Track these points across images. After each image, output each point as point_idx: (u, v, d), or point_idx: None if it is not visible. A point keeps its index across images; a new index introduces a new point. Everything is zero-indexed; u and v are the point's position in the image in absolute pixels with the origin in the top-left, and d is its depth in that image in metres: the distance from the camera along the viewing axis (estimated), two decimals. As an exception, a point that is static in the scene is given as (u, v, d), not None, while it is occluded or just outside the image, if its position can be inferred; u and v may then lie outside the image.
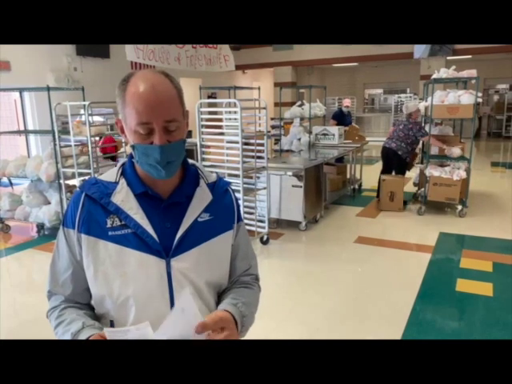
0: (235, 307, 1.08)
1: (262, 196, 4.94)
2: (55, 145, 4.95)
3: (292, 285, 4.02)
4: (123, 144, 6.18)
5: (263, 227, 4.92)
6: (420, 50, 12.55)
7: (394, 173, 6.44)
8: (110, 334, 0.93)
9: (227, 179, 1.26)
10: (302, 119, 7.84)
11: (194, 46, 6.53)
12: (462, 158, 5.98)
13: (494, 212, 6.09)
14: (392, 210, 6.16)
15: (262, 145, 4.79)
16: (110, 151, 6.50)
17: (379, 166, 6.89)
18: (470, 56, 12.28)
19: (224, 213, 1.17)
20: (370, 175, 7.86)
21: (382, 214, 6.11)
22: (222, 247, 1.15)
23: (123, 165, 1.14)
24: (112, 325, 1.09)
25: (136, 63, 8.63)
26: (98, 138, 6.23)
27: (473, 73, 5.86)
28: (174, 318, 0.94)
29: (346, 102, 8.46)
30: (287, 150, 7.73)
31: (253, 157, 4.74)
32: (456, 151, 5.88)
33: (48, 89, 4.99)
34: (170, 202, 1.09)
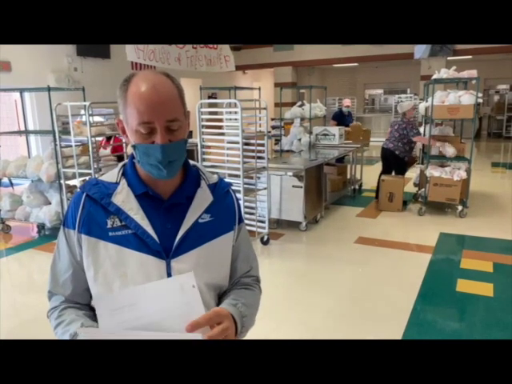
0: (235, 307, 1.08)
1: (262, 196, 4.94)
2: (56, 145, 4.96)
3: (292, 285, 4.02)
4: (124, 144, 6.18)
5: (263, 227, 4.92)
6: (420, 51, 12.55)
7: (393, 173, 6.45)
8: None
9: (228, 179, 1.26)
10: (302, 119, 7.84)
11: (195, 46, 6.53)
12: (462, 158, 5.98)
13: (494, 212, 6.09)
14: (391, 211, 6.16)
15: (262, 145, 4.80)
16: (120, 150, 6.50)
17: (379, 166, 6.90)
18: (470, 56, 12.27)
19: (225, 214, 1.17)
20: (370, 175, 7.86)
21: (383, 215, 6.11)
22: (222, 248, 1.15)
23: (124, 165, 1.14)
24: None
25: (136, 63, 8.64)
26: (102, 138, 6.23)
27: (473, 73, 5.86)
28: (168, 287, 0.95)
29: (346, 102, 8.47)
30: (287, 151, 7.74)
31: (253, 157, 4.74)
32: (450, 150, 5.88)
33: (48, 89, 4.99)
34: (170, 202, 1.08)
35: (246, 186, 4.59)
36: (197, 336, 0.91)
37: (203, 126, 4.74)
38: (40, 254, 4.89)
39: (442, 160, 6.14)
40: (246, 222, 4.37)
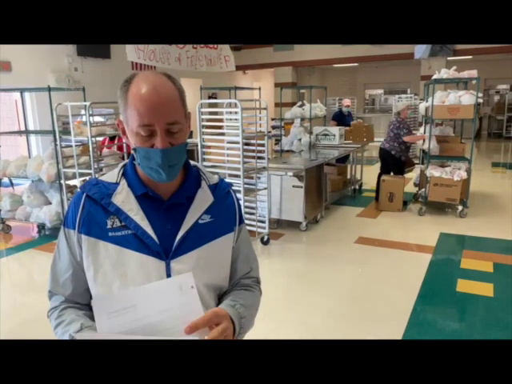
0: (233, 308, 1.07)
1: (262, 196, 4.94)
2: (56, 145, 4.96)
3: (292, 285, 4.02)
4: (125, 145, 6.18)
5: (264, 227, 4.92)
6: (421, 51, 12.55)
7: (392, 173, 6.45)
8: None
9: (228, 179, 1.26)
10: (302, 119, 7.84)
11: (195, 46, 6.53)
12: (462, 158, 5.98)
13: (494, 212, 6.09)
14: (391, 211, 6.16)
15: (262, 145, 4.80)
16: (123, 150, 6.49)
17: (379, 166, 6.90)
18: (470, 56, 12.27)
19: (225, 215, 1.16)
20: (370, 176, 7.86)
21: (383, 215, 6.11)
22: (222, 249, 1.15)
23: (124, 165, 1.13)
24: None
25: (137, 63, 8.65)
26: (104, 138, 6.23)
27: (473, 73, 5.86)
28: (166, 288, 0.94)
29: (346, 101, 8.46)
30: (288, 151, 7.74)
31: (253, 157, 4.74)
32: (432, 144, 5.94)
33: (49, 89, 4.99)
34: (170, 203, 1.08)
35: (246, 186, 4.59)
36: (194, 338, 0.91)
37: (203, 126, 4.74)
38: (40, 254, 4.89)
39: (442, 160, 6.14)
40: (246, 221, 4.37)
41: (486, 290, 3.75)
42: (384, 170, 6.52)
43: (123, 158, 5.90)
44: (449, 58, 12.32)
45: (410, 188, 7.12)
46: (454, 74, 6.05)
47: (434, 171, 5.90)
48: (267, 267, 4.39)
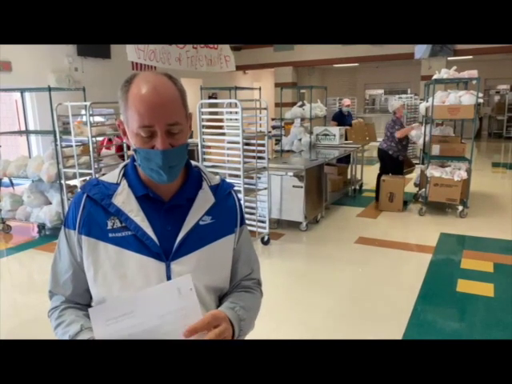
0: (232, 311, 1.06)
1: (262, 196, 4.94)
2: (56, 145, 4.96)
3: (292, 285, 4.02)
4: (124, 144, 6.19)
5: (264, 227, 4.92)
6: (421, 51, 12.54)
7: (390, 174, 6.44)
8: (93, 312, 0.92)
9: (228, 179, 1.25)
10: (302, 119, 7.84)
11: (195, 46, 6.53)
12: (462, 158, 5.98)
13: (494, 213, 6.08)
14: (391, 211, 6.16)
15: (262, 145, 4.80)
16: (121, 150, 6.49)
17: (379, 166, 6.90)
18: (470, 56, 12.26)
19: (226, 216, 1.15)
20: (370, 176, 7.86)
21: (383, 215, 6.11)
22: (223, 251, 1.14)
23: (125, 166, 1.13)
24: None
25: (137, 63, 8.64)
26: (103, 138, 6.23)
27: (474, 73, 5.86)
28: (165, 292, 0.93)
29: (346, 101, 8.46)
30: (288, 151, 7.74)
31: (253, 157, 4.74)
32: (415, 133, 6.06)
33: (49, 89, 4.99)
34: (171, 204, 1.07)
35: (246, 186, 4.59)
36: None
37: (204, 126, 4.74)
38: (40, 254, 4.89)
39: (442, 160, 6.14)
40: (247, 221, 4.37)
41: (486, 290, 3.75)
42: (383, 171, 6.53)
43: (122, 158, 5.91)
44: (449, 58, 12.32)
45: (411, 188, 7.12)
46: (455, 74, 6.05)
47: (434, 171, 5.90)
48: (267, 267, 4.39)
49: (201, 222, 1.09)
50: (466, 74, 5.93)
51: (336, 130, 7.47)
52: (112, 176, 1.11)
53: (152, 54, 5.71)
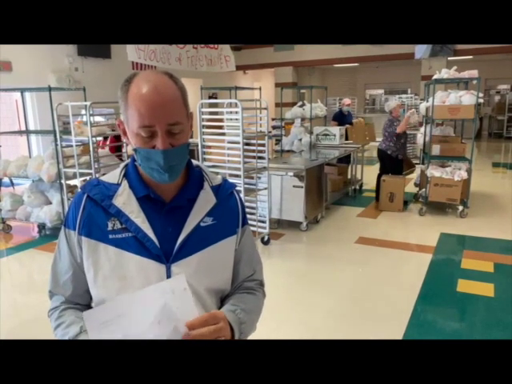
0: (233, 314, 1.05)
1: (262, 196, 4.94)
2: (56, 145, 4.96)
3: (293, 285, 4.01)
4: (125, 144, 6.19)
5: (264, 227, 4.92)
6: (421, 51, 12.54)
7: (390, 174, 6.45)
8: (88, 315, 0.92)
9: (228, 179, 1.24)
10: (302, 119, 7.84)
11: (195, 46, 6.54)
12: (463, 158, 5.98)
13: (495, 213, 6.08)
14: (391, 211, 6.15)
15: (262, 145, 4.80)
16: (113, 151, 6.50)
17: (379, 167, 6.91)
18: (471, 56, 12.26)
19: (228, 217, 1.14)
20: (370, 176, 7.86)
21: (383, 215, 6.11)
22: (224, 253, 1.12)
23: (126, 166, 1.11)
24: None
25: (137, 63, 8.65)
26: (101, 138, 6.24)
27: (474, 73, 5.86)
28: (159, 294, 0.91)
29: (347, 101, 8.46)
30: (288, 151, 7.74)
31: (254, 157, 4.74)
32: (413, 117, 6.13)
33: (49, 89, 5.00)
34: (172, 205, 1.06)
35: (246, 186, 4.59)
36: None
37: (204, 126, 4.74)
38: (41, 253, 4.89)
39: (442, 160, 6.14)
40: (247, 222, 4.37)
41: (486, 290, 3.75)
42: (383, 171, 6.53)
43: (121, 158, 5.91)
44: (449, 58, 12.32)
45: (411, 188, 7.11)
46: (455, 74, 6.05)
47: (434, 171, 5.90)
48: (268, 267, 4.36)
49: (202, 224, 1.08)
50: (466, 74, 5.93)
51: (336, 130, 7.47)
52: (113, 176, 1.10)
53: (152, 54, 5.71)
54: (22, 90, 5.84)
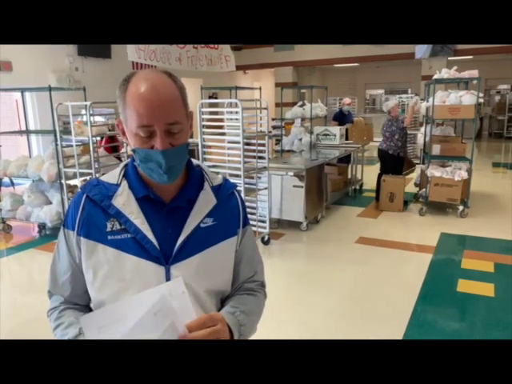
0: (232, 316, 1.04)
1: (263, 196, 4.94)
2: (57, 145, 4.96)
3: (293, 285, 4.01)
4: (124, 144, 6.19)
5: (264, 227, 4.92)
6: (421, 51, 12.54)
7: (390, 174, 6.45)
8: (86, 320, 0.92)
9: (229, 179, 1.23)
10: (303, 119, 7.84)
11: (195, 46, 6.54)
12: (463, 158, 5.98)
13: (495, 212, 6.08)
14: (392, 211, 6.15)
15: (263, 145, 4.80)
16: (110, 152, 6.49)
17: (379, 166, 6.91)
18: (471, 56, 12.26)
19: (228, 217, 1.12)
20: (371, 176, 7.86)
21: (383, 215, 6.11)
22: (224, 254, 1.11)
23: (126, 166, 1.10)
24: None
25: (137, 63, 8.64)
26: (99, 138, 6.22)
27: (474, 73, 5.85)
28: (156, 297, 0.91)
29: (347, 100, 8.46)
30: (288, 151, 7.73)
31: (254, 157, 4.74)
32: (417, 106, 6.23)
33: (49, 89, 5.00)
34: (171, 206, 1.05)
35: (246, 185, 4.59)
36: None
37: (204, 126, 4.74)
38: (41, 253, 4.89)
39: (443, 160, 6.14)
40: (247, 221, 4.37)
41: (486, 290, 3.75)
42: (384, 171, 6.53)
43: (119, 159, 5.91)
44: (449, 58, 12.31)
45: (411, 188, 7.11)
46: (455, 74, 6.05)
47: (434, 171, 5.90)
48: (268, 267, 4.35)
49: (202, 225, 1.06)
50: (466, 74, 5.93)
51: (336, 130, 7.47)
52: (112, 176, 1.08)
53: (152, 54, 5.71)
54: (22, 90, 5.84)
